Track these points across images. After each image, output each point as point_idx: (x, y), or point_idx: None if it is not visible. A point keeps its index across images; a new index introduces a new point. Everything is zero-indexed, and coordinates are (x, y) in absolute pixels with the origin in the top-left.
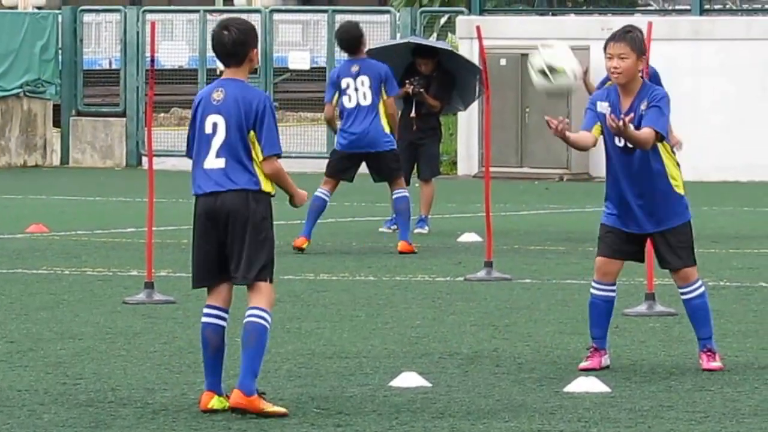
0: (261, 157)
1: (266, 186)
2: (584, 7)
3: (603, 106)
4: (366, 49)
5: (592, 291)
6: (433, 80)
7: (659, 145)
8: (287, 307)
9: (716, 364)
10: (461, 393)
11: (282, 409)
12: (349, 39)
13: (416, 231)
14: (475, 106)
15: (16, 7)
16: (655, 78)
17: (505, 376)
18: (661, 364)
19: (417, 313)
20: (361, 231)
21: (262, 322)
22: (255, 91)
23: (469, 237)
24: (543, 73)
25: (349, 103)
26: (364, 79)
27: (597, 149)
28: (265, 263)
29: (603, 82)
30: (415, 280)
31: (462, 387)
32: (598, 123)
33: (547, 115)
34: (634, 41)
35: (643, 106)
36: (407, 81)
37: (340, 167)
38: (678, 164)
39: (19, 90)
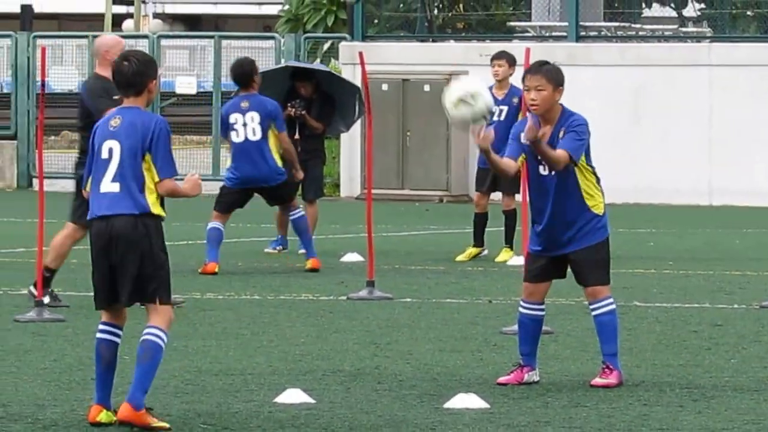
0: (156, 179)
1: (155, 209)
2: (463, 34)
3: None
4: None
5: (520, 310)
6: (314, 102)
7: (575, 168)
8: (174, 325)
9: (604, 380)
10: (344, 409)
11: (165, 425)
12: (242, 74)
13: (300, 251)
14: (357, 130)
15: None
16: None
17: (387, 392)
18: (539, 380)
19: (301, 331)
20: (247, 252)
21: (158, 340)
22: (151, 115)
23: (352, 257)
24: (463, 101)
25: (237, 138)
26: (253, 115)
27: (474, 171)
28: (157, 285)
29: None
30: (299, 299)
31: (345, 403)
32: (523, 154)
33: (427, 136)
34: (549, 73)
35: (561, 133)
36: (289, 104)
37: (231, 202)
38: (598, 187)
39: None
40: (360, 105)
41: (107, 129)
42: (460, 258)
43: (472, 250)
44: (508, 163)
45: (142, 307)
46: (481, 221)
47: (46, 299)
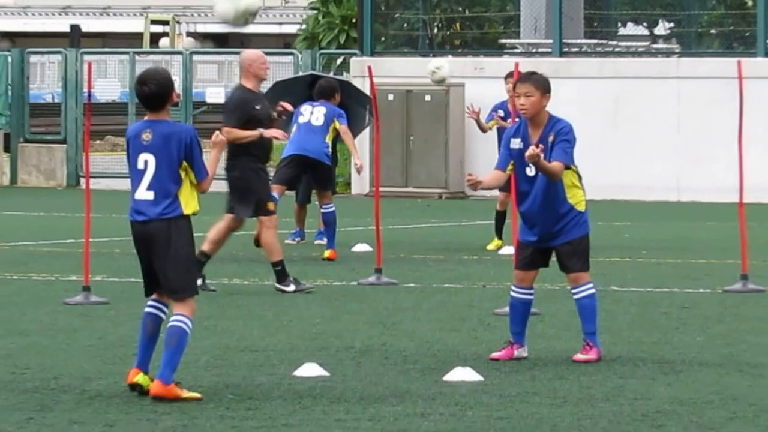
0: (195, 182)
1: (188, 210)
2: (460, 50)
3: (515, 142)
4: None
5: (512, 294)
6: None
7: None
8: (204, 307)
9: (585, 356)
10: (355, 381)
11: (197, 395)
12: (327, 87)
13: (316, 242)
14: (366, 135)
15: None
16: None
17: (393, 366)
18: (527, 356)
19: (316, 313)
20: None
21: (184, 326)
22: (181, 126)
23: (362, 247)
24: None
25: (302, 119)
26: (321, 108)
27: (470, 171)
28: (189, 279)
29: (494, 109)
30: (315, 284)
31: (355, 376)
32: (512, 162)
33: (428, 140)
34: (537, 81)
35: (551, 138)
36: None
37: (285, 175)
38: (580, 185)
39: None
40: (370, 115)
41: (140, 143)
42: (489, 247)
43: (498, 242)
44: (498, 177)
45: None
46: (502, 217)
47: (291, 287)
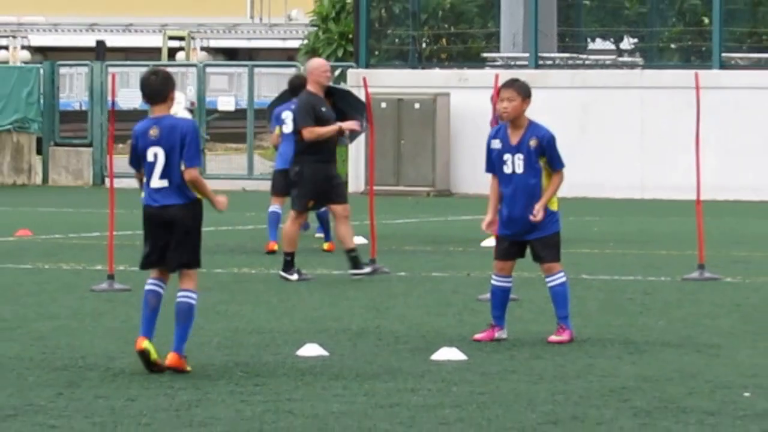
0: (184, 167)
1: (197, 195)
2: (446, 63)
3: (495, 143)
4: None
5: (492, 282)
6: None
7: (542, 170)
8: (216, 293)
9: (558, 338)
10: (351, 360)
11: (187, 368)
12: (298, 84)
13: (317, 235)
14: (361, 139)
15: (7, 62)
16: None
17: (385, 347)
18: (507, 338)
19: (317, 299)
20: None
21: (191, 301)
22: (183, 120)
23: (357, 240)
24: None
25: (286, 129)
26: (290, 114)
27: (455, 171)
28: (196, 255)
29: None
30: (316, 272)
31: (352, 355)
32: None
33: (417, 144)
34: (520, 87)
35: (532, 143)
36: None
37: (282, 183)
38: None
39: (10, 126)
40: (365, 123)
41: (149, 138)
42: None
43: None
44: (498, 190)
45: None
46: None
47: (294, 276)
